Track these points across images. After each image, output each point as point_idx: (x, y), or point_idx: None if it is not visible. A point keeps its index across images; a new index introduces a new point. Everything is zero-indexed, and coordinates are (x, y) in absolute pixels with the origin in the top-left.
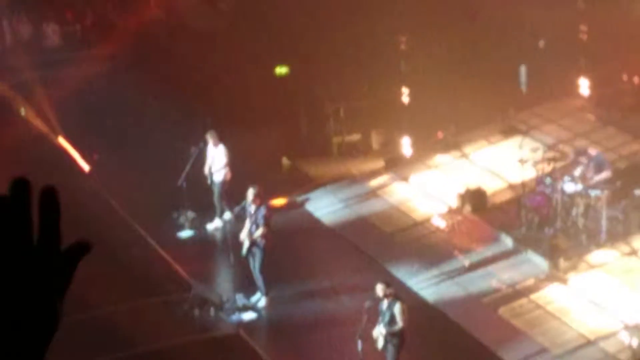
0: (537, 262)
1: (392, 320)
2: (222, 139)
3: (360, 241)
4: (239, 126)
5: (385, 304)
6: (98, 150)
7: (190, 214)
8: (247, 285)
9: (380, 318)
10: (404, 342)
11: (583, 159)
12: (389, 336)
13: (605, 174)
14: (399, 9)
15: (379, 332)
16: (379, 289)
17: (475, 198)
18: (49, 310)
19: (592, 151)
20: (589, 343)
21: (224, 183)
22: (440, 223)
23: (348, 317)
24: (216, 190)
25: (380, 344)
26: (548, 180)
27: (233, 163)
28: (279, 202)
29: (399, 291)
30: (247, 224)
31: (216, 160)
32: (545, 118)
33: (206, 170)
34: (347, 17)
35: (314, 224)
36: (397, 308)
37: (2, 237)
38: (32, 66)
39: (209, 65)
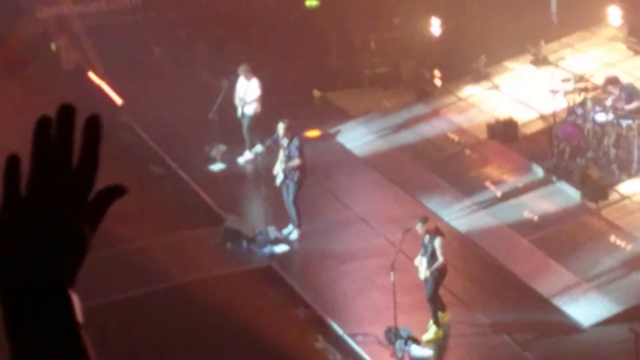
0: (569, 192)
1: (433, 255)
2: (254, 72)
3: (392, 173)
4: (269, 59)
5: (426, 238)
6: (129, 82)
7: (222, 147)
8: (278, 218)
9: (422, 251)
10: (444, 276)
11: (614, 89)
12: (430, 270)
13: (636, 104)
14: None
15: (420, 262)
16: (419, 227)
17: (507, 129)
18: (79, 235)
19: (623, 81)
20: (623, 272)
21: (254, 116)
22: (472, 154)
23: (380, 248)
24: (245, 123)
25: (421, 275)
26: (579, 110)
27: (264, 96)
28: (313, 133)
29: (433, 221)
30: (281, 156)
31: (248, 93)
32: (576, 48)
33: (237, 102)
34: None
35: (345, 156)
36: (437, 242)
37: (44, 157)
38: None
39: None
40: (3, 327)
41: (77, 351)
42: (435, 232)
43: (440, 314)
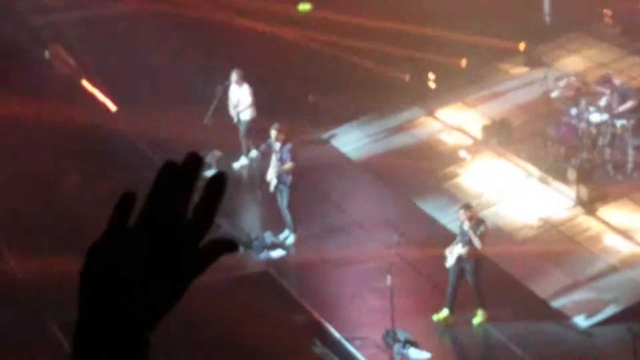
0: (564, 192)
1: (471, 242)
2: (245, 77)
3: (387, 176)
4: (262, 63)
5: (467, 225)
6: (124, 88)
7: (217, 153)
8: (275, 223)
9: (459, 238)
10: (480, 265)
11: (607, 90)
12: (466, 256)
13: (630, 104)
14: None
15: (455, 251)
16: (462, 214)
17: (501, 130)
18: (176, 282)
19: (616, 81)
20: (620, 272)
21: (250, 122)
22: (467, 156)
23: (376, 252)
24: (242, 129)
25: (449, 262)
26: (573, 110)
27: (258, 101)
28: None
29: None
30: (273, 161)
31: (241, 100)
32: (569, 49)
33: (231, 109)
34: None
35: (340, 159)
36: (482, 229)
37: (162, 199)
38: (59, 7)
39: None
40: (71, 347)
41: None
42: (479, 219)
43: (447, 312)
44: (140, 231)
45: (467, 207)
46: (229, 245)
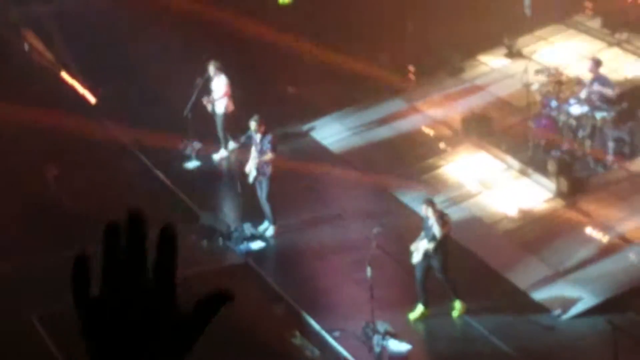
0: (544, 184)
1: (435, 237)
2: (224, 69)
3: (367, 168)
4: (243, 56)
5: (430, 221)
6: (103, 82)
7: (197, 145)
8: (254, 214)
9: (423, 234)
10: (447, 255)
11: (593, 69)
12: (432, 252)
13: (609, 92)
14: None
15: (421, 247)
16: (424, 209)
17: (481, 122)
18: (172, 348)
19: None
20: (599, 264)
21: (225, 113)
22: (447, 148)
23: (356, 243)
24: (218, 121)
25: (415, 258)
26: (554, 103)
27: (238, 92)
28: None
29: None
30: (253, 153)
31: (216, 91)
32: (550, 41)
33: (207, 101)
34: None
35: (321, 152)
36: (445, 220)
37: (114, 268)
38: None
39: None
40: None
41: None
42: (441, 214)
43: (422, 308)
44: (107, 302)
45: (429, 202)
46: (222, 298)
